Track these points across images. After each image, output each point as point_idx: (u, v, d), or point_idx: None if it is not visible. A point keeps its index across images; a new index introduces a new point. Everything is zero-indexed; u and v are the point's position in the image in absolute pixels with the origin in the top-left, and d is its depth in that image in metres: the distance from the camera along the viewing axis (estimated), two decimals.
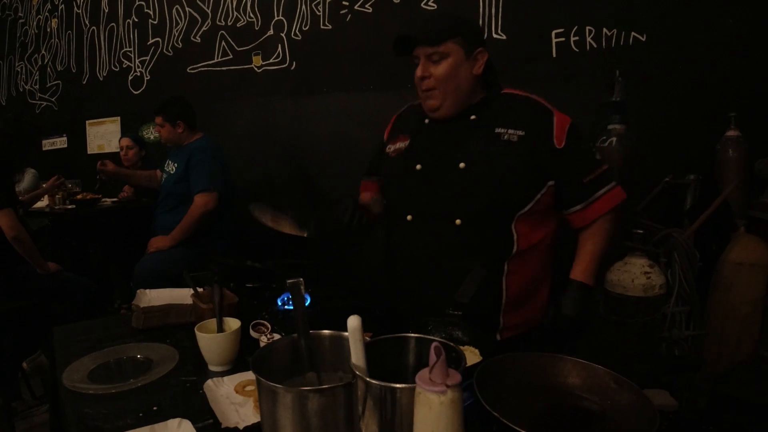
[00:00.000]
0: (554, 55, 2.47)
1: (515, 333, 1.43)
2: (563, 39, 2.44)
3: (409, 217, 1.45)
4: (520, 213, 1.36)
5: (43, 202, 3.56)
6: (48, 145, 4.87)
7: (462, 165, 1.37)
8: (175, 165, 2.96)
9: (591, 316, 1.24)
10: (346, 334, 0.74)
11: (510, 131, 1.36)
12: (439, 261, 1.40)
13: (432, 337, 0.74)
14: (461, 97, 1.40)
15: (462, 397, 0.57)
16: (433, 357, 0.56)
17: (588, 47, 2.39)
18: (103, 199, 3.69)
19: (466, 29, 1.40)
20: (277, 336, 1.24)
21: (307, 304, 1.40)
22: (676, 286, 1.89)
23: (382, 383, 0.64)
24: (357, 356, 0.69)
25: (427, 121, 1.49)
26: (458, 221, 1.36)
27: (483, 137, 1.39)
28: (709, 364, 1.88)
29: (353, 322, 0.70)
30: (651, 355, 1.78)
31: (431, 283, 1.41)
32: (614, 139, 2.03)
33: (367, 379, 0.65)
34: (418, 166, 1.45)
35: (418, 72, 1.39)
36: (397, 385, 0.64)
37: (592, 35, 2.37)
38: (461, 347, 0.86)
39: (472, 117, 1.42)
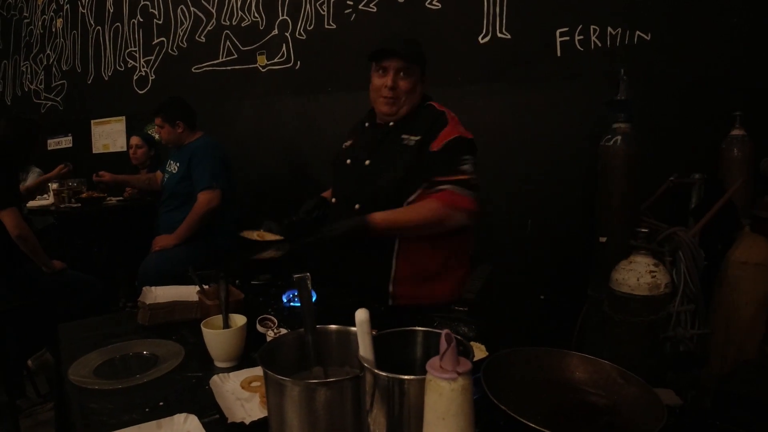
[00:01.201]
0: (558, 54, 2.47)
1: (409, 303, 1.62)
2: (567, 38, 2.44)
3: (333, 200, 1.77)
4: (407, 201, 1.59)
5: (48, 201, 3.57)
6: (53, 144, 4.88)
7: (367, 162, 1.67)
8: (177, 165, 2.97)
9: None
10: (353, 329, 0.74)
11: (412, 137, 1.63)
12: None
13: (439, 330, 0.74)
14: (413, 107, 1.69)
15: (472, 385, 0.57)
16: (443, 344, 0.56)
17: (592, 46, 2.39)
18: (108, 198, 3.70)
19: (424, 58, 1.71)
20: (284, 331, 1.25)
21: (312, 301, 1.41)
22: (681, 285, 1.89)
23: (390, 375, 0.64)
24: (365, 349, 0.69)
25: (367, 125, 1.79)
26: (357, 206, 1.63)
27: (391, 141, 1.67)
28: (714, 363, 1.87)
29: (361, 314, 0.70)
30: (655, 355, 1.78)
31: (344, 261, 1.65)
32: (619, 137, 2.03)
33: (375, 371, 0.65)
34: (348, 161, 1.76)
35: (388, 82, 1.63)
36: (405, 377, 0.64)
37: (596, 34, 2.37)
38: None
39: (391, 124, 1.70)
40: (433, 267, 1.64)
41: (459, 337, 0.73)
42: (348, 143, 1.86)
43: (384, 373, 0.65)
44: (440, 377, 0.57)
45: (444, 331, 0.56)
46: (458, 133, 1.62)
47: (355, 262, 1.64)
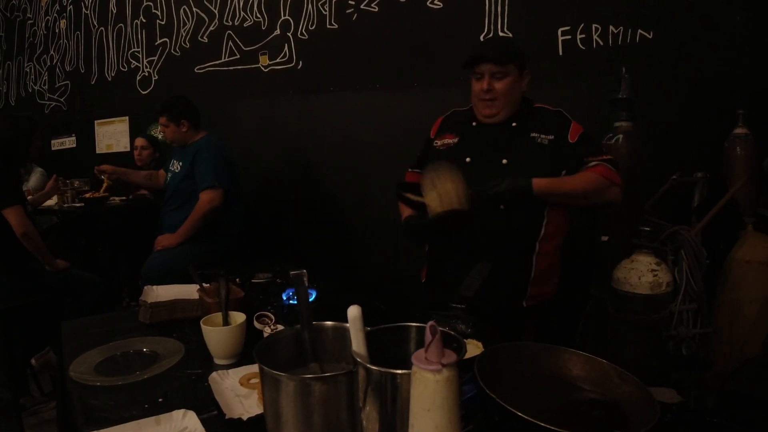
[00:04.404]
0: (560, 52, 2.47)
1: (536, 302, 1.71)
2: (569, 37, 2.44)
3: None
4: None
5: (52, 201, 3.59)
6: (57, 144, 4.91)
7: (504, 161, 1.68)
8: (180, 164, 2.98)
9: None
10: (348, 325, 0.74)
11: (542, 136, 1.69)
12: (484, 241, 1.64)
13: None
14: (513, 107, 1.73)
15: (458, 377, 0.57)
16: (428, 336, 0.56)
17: (594, 45, 2.38)
18: (112, 198, 3.71)
19: (520, 55, 1.74)
20: (281, 327, 1.25)
21: (312, 299, 1.42)
22: (683, 284, 1.88)
23: (382, 369, 0.64)
24: (358, 344, 0.70)
25: (474, 124, 1.80)
26: (502, 206, 1.63)
27: (521, 139, 1.71)
28: (718, 362, 1.86)
29: (353, 311, 0.70)
30: (658, 353, 1.77)
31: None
32: (621, 136, 2.02)
33: (368, 365, 0.65)
34: (468, 159, 1.73)
35: (484, 86, 1.69)
36: (398, 371, 0.64)
37: (598, 33, 2.37)
38: (465, 340, 0.86)
39: (513, 124, 1.74)
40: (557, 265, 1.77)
41: (453, 333, 0.73)
42: (449, 141, 1.83)
43: (376, 367, 0.65)
44: (425, 369, 0.57)
45: (429, 323, 0.57)
46: (581, 128, 1.73)
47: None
